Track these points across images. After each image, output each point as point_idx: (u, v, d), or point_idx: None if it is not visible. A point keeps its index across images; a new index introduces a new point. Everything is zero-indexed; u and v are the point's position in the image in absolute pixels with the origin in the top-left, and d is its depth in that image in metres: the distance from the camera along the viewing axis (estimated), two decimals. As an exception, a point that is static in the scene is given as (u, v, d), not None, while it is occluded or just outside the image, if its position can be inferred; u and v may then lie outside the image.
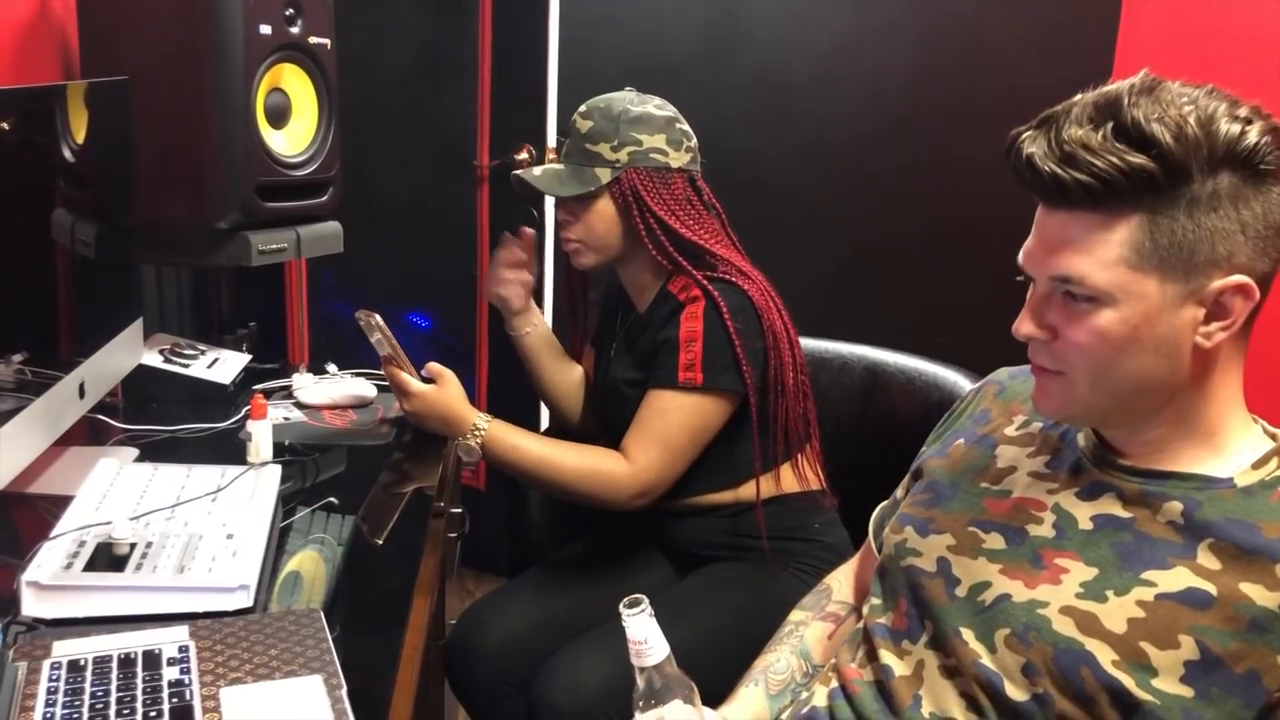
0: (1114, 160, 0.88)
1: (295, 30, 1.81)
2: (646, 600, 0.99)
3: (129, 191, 1.67)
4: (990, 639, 0.99)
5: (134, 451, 1.58)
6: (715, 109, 2.49)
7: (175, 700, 0.94)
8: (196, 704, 0.94)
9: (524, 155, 2.70)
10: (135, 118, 1.64)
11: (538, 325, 1.86)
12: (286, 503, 1.43)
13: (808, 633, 1.26)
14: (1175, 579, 0.92)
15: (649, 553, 1.80)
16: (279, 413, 1.75)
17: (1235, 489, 0.94)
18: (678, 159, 1.65)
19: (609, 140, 1.62)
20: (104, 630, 1.06)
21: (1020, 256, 0.98)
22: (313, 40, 1.85)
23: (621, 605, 0.99)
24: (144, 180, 1.69)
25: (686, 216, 1.64)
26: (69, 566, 1.12)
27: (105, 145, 1.57)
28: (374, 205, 2.69)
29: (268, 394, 1.75)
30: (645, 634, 0.99)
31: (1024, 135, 0.94)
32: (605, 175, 1.63)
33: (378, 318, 1.62)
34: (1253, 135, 0.88)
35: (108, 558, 1.15)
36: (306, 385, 1.84)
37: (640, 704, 1.01)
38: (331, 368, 1.91)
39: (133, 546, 1.17)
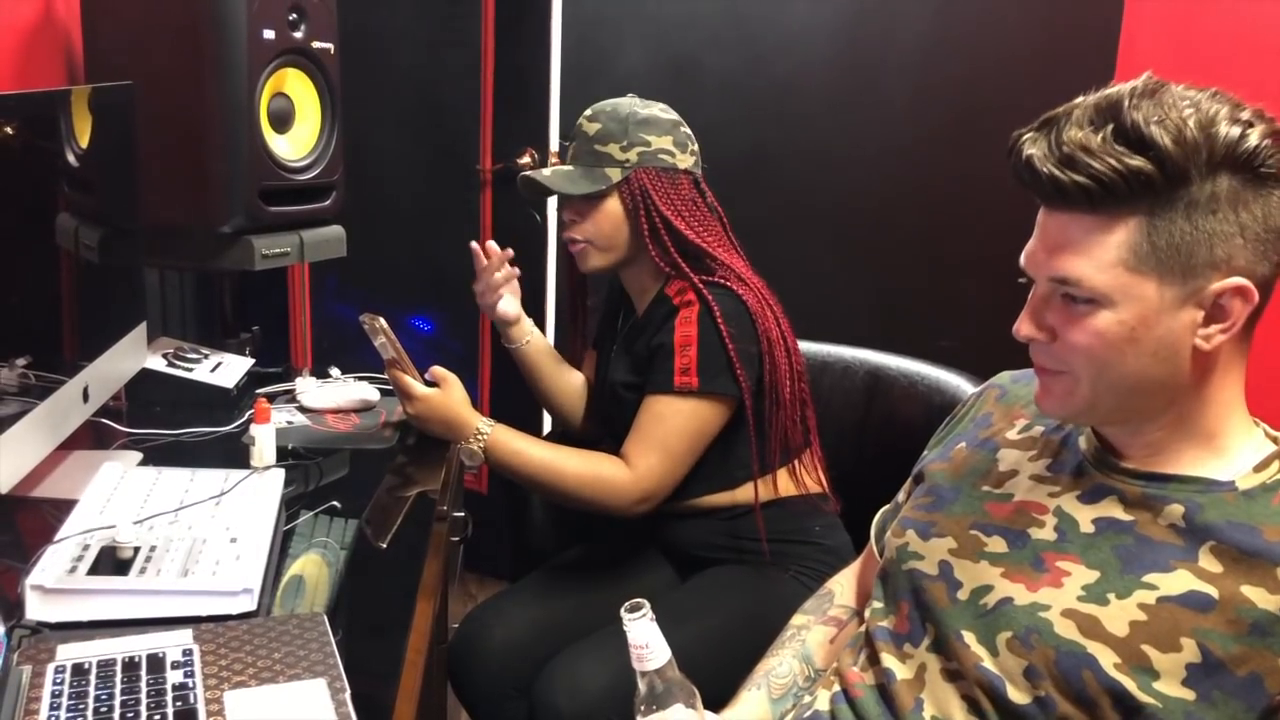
0: (1112, 162, 0.88)
1: (298, 35, 1.82)
2: (648, 604, 0.99)
3: (132, 196, 1.67)
4: (992, 642, 0.99)
5: (138, 455, 1.58)
6: (717, 112, 2.49)
7: (179, 704, 0.94)
8: (200, 707, 0.94)
9: (526, 159, 2.71)
10: (139, 122, 1.65)
11: (534, 334, 1.87)
12: (290, 506, 1.43)
13: (810, 637, 1.26)
14: (1177, 582, 0.92)
15: (650, 556, 1.80)
16: (282, 416, 1.76)
17: (1237, 492, 0.95)
18: (683, 161, 1.65)
19: (618, 141, 1.63)
20: (108, 634, 1.06)
21: (1021, 258, 0.98)
22: (316, 45, 1.86)
23: (623, 610, 0.99)
24: (147, 184, 1.69)
25: (691, 218, 1.65)
26: (73, 570, 1.13)
27: (109, 149, 1.57)
28: (377, 209, 2.70)
29: (271, 398, 1.75)
30: (646, 638, 0.99)
31: (1025, 137, 0.95)
32: (615, 175, 1.63)
33: (381, 321, 1.63)
34: (1253, 138, 0.88)
35: (112, 561, 1.15)
36: (310, 389, 1.84)
37: (642, 708, 1.01)
38: (335, 371, 1.91)
39: (136, 550, 1.17)
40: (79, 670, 0.98)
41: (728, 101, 2.58)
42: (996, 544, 1.05)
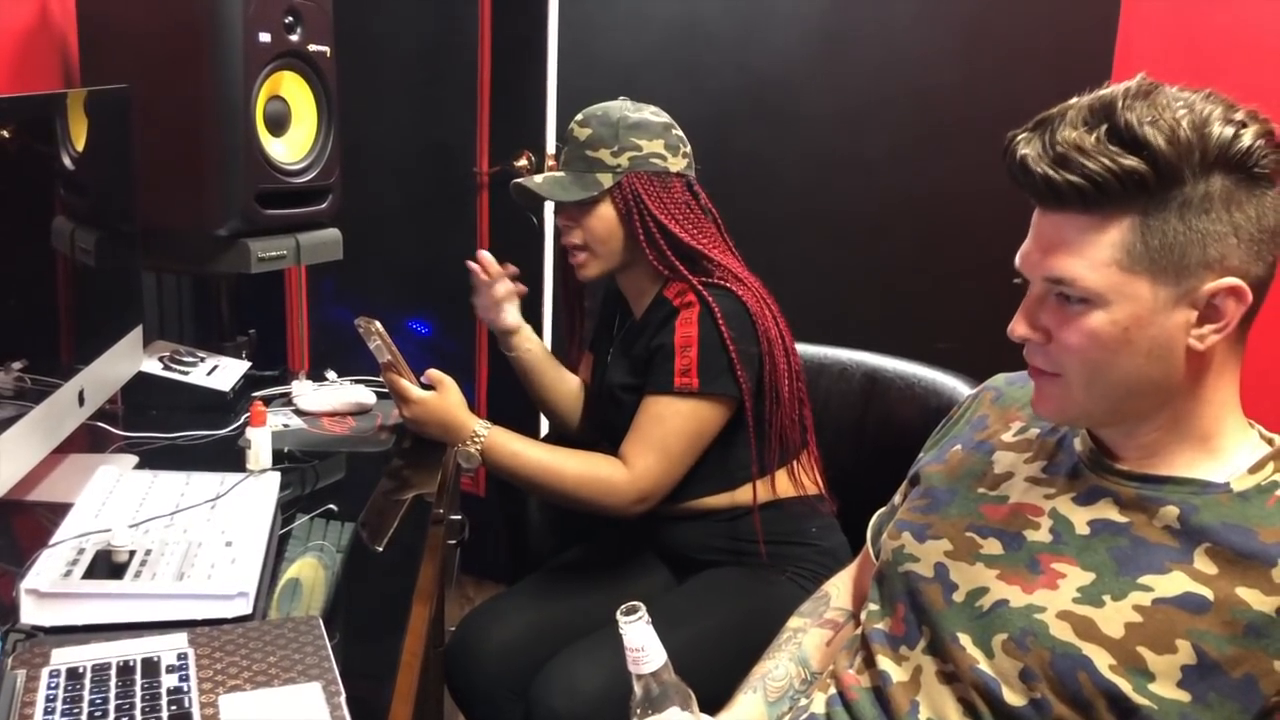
0: (1106, 162, 0.89)
1: (295, 38, 1.82)
2: (643, 607, 0.99)
3: (129, 199, 1.67)
4: (988, 644, 0.99)
5: (133, 459, 1.58)
6: (714, 115, 2.49)
7: (174, 708, 0.94)
8: (195, 712, 0.94)
9: (523, 162, 2.71)
10: (135, 125, 1.65)
11: (533, 340, 1.87)
12: (286, 510, 1.43)
13: (806, 639, 1.26)
14: (1172, 584, 0.93)
15: (647, 558, 1.80)
16: (278, 420, 1.75)
17: (1231, 493, 0.95)
18: (675, 164, 1.65)
19: (609, 146, 1.63)
20: (103, 638, 1.06)
21: (1016, 259, 0.99)
22: (312, 48, 1.86)
23: (618, 613, 0.99)
24: (144, 187, 1.69)
25: (685, 221, 1.65)
26: (68, 574, 1.12)
27: (105, 153, 1.57)
28: (374, 211, 2.70)
29: (267, 401, 1.75)
30: (642, 641, 0.99)
31: (1019, 137, 0.95)
32: (607, 180, 1.63)
33: (377, 324, 1.63)
34: (1246, 138, 0.89)
35: (107, 565, 1.15)
36: (306, 392, 1.84)
37: (638, 711, 1.01)
38: (331, 374, 1.91)
39: (132, 554, 1.17)
40: (74, 674, 0.98)
41: (725, 104, 2.58)
42: (992, 546, 1.05)
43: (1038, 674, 0.95)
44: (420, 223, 2.93)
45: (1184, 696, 0.90)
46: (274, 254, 1.84)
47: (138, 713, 0.93)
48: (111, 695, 0.95)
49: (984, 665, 0.99)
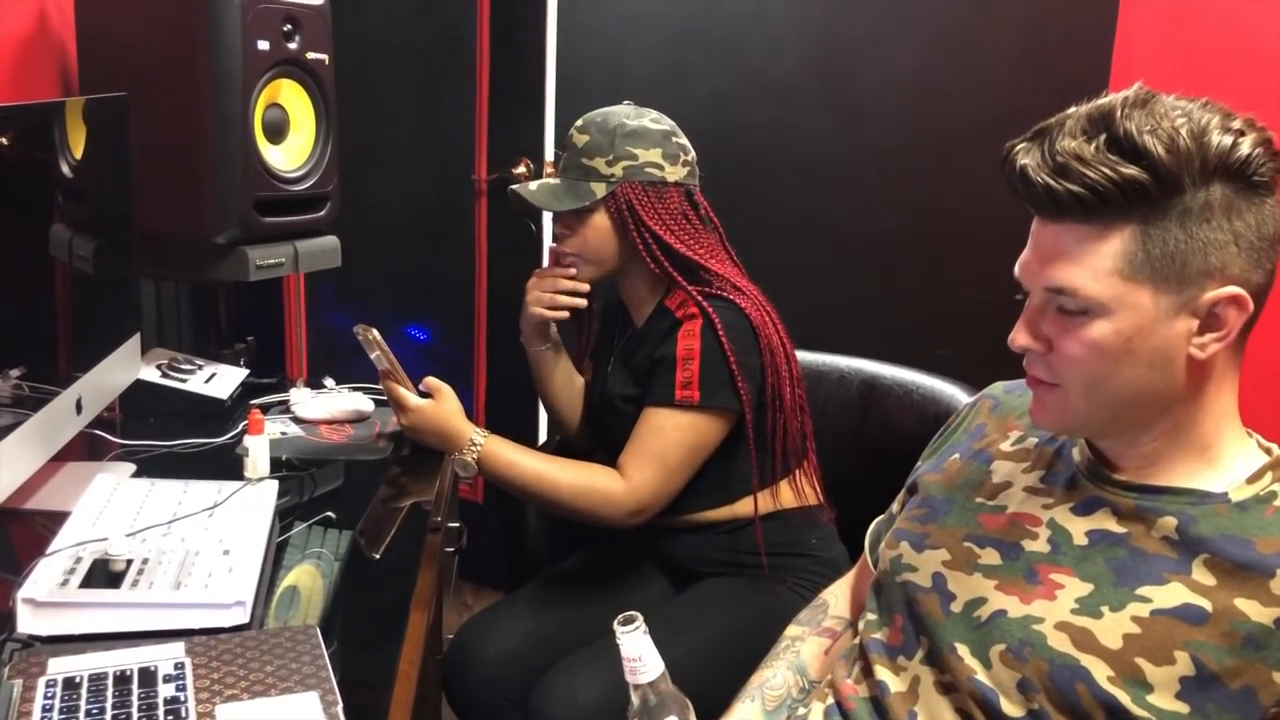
0: (1106, 171, 0.89)
1: (293, 46, 1.82)
2: (641, 617, 0.99)
3: (127, 207, 1.67)
4: (986, 655, 0.99)
5: (131, 467, 1.58)
6: (711, 121, 2.49)
7: (171, 718, 0.94)
8: (192, 721, 0.94)
9: (521, 169, 2.71)
10: (133, 133, 1.65)
11: (557, 339, 1.85)
12: (283, 518, 1.43)
13: (804, 648, 1.25)
14: (1170, 595, 0.92)
15: (646, 567, 1.80)
16: (276, 427, 1.75)
17: (1230, 504, 0.94)
18: (674, 173, 1.65)
19: (604, 155, 1.63)
20: (100, 647, 1.05)
21: (1016, 268, 0.99)
22: (310, 55, 1.86)
23: (615, 622, 0.99)
24: (142, 195, 1.69)
25: (681, 231, 1.64)
26: (65, 583, 1.12)
27: (103, 161, 1.57)
28: (372, 218, 2.70)
29: (265, 409, 1.75)
30: (640, 651, 0.98)
31: (1018, 147, 0.95)
32: (600, 190, 1.63)
33: (375, 333, 1.63)
34: (1245, 147, 0.89)
35: (104, 574, 1.15)
36: (304, 400, 1.84)
37: (635, 721, 1.00)
38: (329, 382, 1.91)
39: (129, 563, 1.17)
40: (70, 684, 0.98)
41: (722, 110, 2.58)
42: (990, 556, 1.04)
43: (1036, 685, 0.95)
44: (419, 230, 2.93)
45: (1183, 708, 0.90)
46: (272, 262, 1.84)
47: (134, 723, 0.93)
48: (108, 705, 0.95)
49: (982, 676, 0.99)
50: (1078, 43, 2.42)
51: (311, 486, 1.59)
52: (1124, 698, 0.91)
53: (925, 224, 2.58)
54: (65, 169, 1.45)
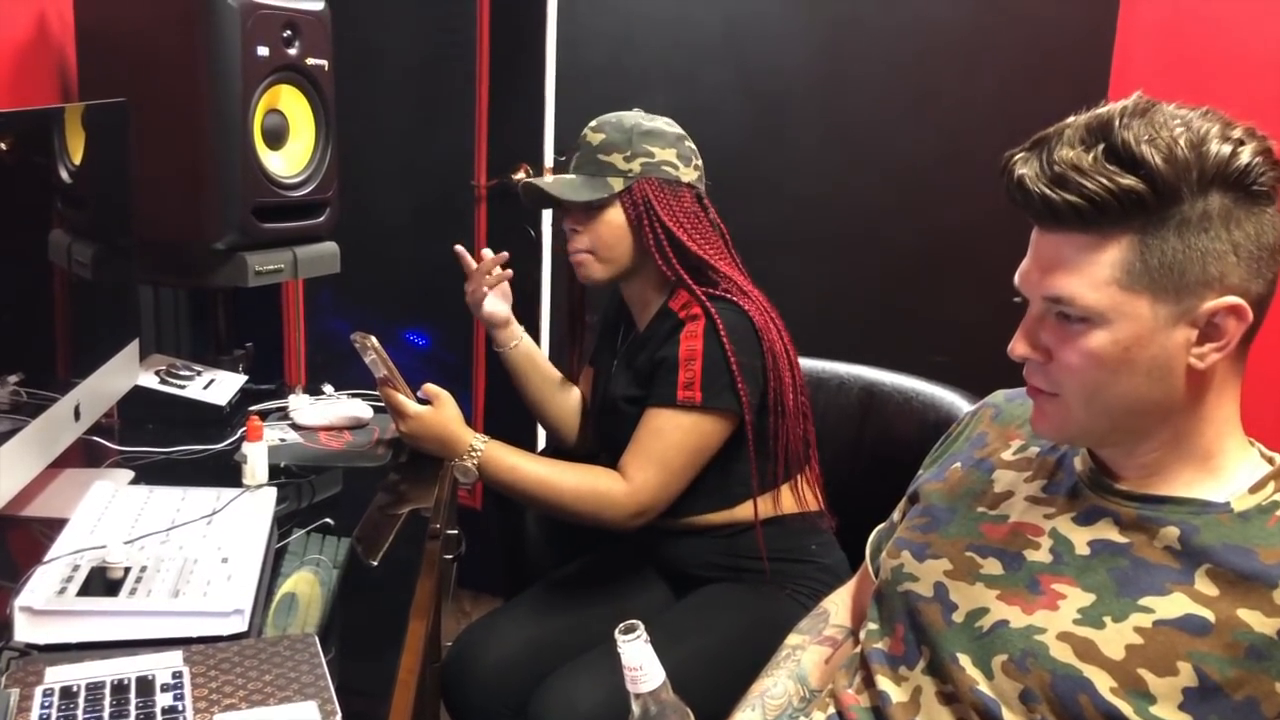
0: (1104, 181, 0.88)
1: (293, 52, 1.82)
2: (642, 626, 0.99)
3: (126, 212, 1.67)
4: (988, 665, 0.99)
5: (129, 474, 1.57)
6: (710, 128, 2.48)
7: (168, 727, 0.94)
8: (190, 731, 0.93)
9: (521, 175, 2.71)
10: (133, 139, 1.65)
11: (522, 338, 1.87)
12: (282, 525, 1.42)
13: (805, 657, 1.25)
14: (1173, 605, 0.92)
15: (646, 574, 1.80)
16: (275, 434, 1.75)
17: (1232, 513, 0.94)
18: (687, 174, 1.66)
19: (622, 151, 1.63)
20: (97, 656, 1.05)
21: (1016, 277, 0.98)
22: (310, 62, 1.86)
23: (617, 631, 0.99)
24: (141, 201, 1.69)
25: (694, 230, 1.65)
26: (63, 591, 1.12)
27: (103, 166, 1.57)
28: (372, 224, 2.70)
29: (264, 415, 1.75)
30: (640, 660, 0.98)
31: (1016, 157, 0.95)
32: (618, 184, 1.63)
33: (373, 340, 1.62)
34: (1244, 156, 0.89)
35: (102, 582, 1.14)
36: (302, 406, 1.83)
37: (635, 730, 1.00)
38: (328, 388, 1.90)
39: (127, 570, 1.16)
40: (67, 693, 0.97)
41: (720, 118, 2.58)
42: (992, 566, 1.04)
43: (1038, 695, 0.95)
44: (418, 236, 2.93)
45: (1186, 719, 0.89)
46: (271, 268, 1.84)
47: (132, 733, 0.93)
48: (105, 714, 0.95)
49: (984, 686, 0.98)
50: (1077, 52, 2.43)
51: (310, 493, 1.58)
52: (1127, 709, 0.90)
53: (925, 231, 2.59)
54: (64, 175, 1.45)
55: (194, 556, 1.22)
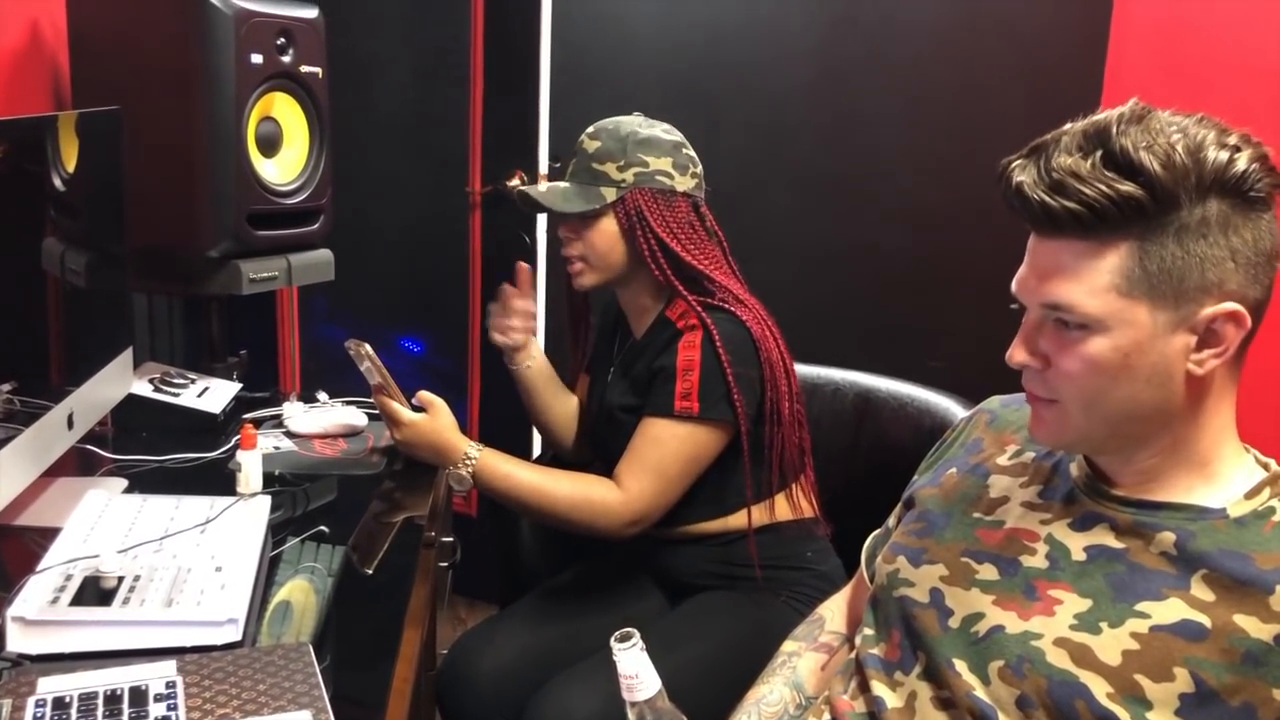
0: (1102, 188, 0.89)
1: (287, 59, 1.82)
2: (638, 634, 0.98)
3: (119, 220, 1.67)
4: (984, 671, 0.99)
5: (123, 482, 1.57)
6: (706, 135, 2.48)
7: (162, 737, 0.93)
8: (183, 741, 0.93)
9: (515, 182, 2.71)
10: (126, 147, 1.64)
11: (537, 357, 1.86)
12: (276, 533, 1.42)
13: (800, 664, 1.25)
14: (1169, 610, 0.92)
15: (641, 582, 1.79)
16: (269, 442, 1.74)
17: (1228, 519, 0.94)
18: (683, 183, 1.65)
19: (615, 160, 1.63)
20: (90, 666, 1.04)
21: (1013, 284, 0.98)
22: (304, 69, 1.86)
23: (612, 639, 0.98)
24: (135, 209, 1.68)
25: (688, 240, 1.64)
26: (55, 600, 1.11)
27: (96, 174, 1.57)
28: (366, 231, 2.70)
29: (258, 423, 1.74)
30: (636, 668, 0.98)
31: (1014, 164, 0.95)
32: (610, 194, 1.63)
33: (367, 347, 1.62)
34: (1241, 162, 0.89)
35: (95, 591, 1.14)
36: (297, 414, 1.83)
37: (632, 738, 1.00)
38: (322, 396, 1.90)
39: (120, 580, 1.16)
40: (60, 704, 0.97)
41: (717, 124, 2.58)
42: (988, 571, 1.04)
43: (1034, 701, 0.95)
44: (413, 242, 2.93)
45: (1182, 724, 0.89)
46: (265, 275, 1.83)
47: (125, 743, 0.92)
48: (98, 725, 0.94)
49: (980, 692, 0.98)
50: (1071, 58, 2.43)
51: (304, 501, 1.58)
52: (1123, 714, 0.90)
53: (920, 237, 2.59)
54: (58, 183, 1.44)
55: (188, 565, 1.22)
